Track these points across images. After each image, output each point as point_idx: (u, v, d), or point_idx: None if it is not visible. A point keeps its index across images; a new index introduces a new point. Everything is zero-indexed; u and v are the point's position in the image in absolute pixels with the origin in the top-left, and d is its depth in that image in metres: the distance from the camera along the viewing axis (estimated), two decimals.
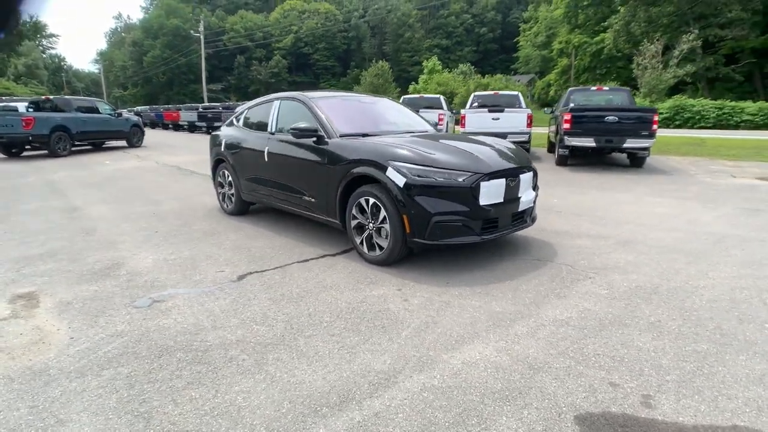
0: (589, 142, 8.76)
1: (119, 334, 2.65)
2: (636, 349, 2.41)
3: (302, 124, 4.21)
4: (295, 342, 2.55)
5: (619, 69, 34.68)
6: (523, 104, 12.66)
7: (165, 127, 28.03)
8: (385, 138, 4.06)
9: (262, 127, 5.08)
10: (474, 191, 3.44)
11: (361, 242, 3.85)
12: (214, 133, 6.05)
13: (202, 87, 48.66)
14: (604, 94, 10.96)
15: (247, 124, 5.39)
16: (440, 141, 4.07)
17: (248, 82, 68.80)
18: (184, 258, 4.04)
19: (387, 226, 3.57)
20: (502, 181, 3.60)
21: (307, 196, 4.32)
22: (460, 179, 3.42)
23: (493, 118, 10.86)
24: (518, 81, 49.39)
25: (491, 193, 3.52)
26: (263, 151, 4.76)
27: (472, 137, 4.52)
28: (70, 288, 3.36)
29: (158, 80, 67.32)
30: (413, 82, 44.72)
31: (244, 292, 3.25)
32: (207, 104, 30.30)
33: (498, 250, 4.11)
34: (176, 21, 66.26)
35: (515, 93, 13.10)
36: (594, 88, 11.78)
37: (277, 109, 4.88)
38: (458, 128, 11.57)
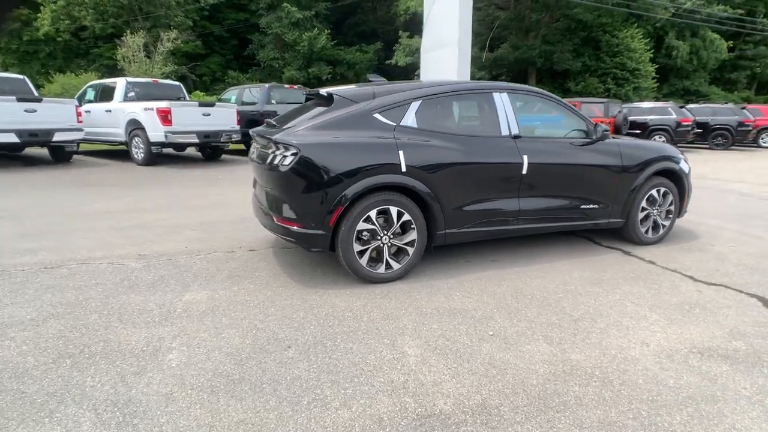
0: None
1: None
2: None
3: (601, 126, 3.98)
4: None
5: (48, 57, 29.83)
6: (187, 96, 10.96)
7: None
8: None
9: (479, 129, 3.84)
10: None
11: (647, 230, 4.27)
12: (339, 142, 3.13)
13: None
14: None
15: (435, 126, 3.44)
16: None
17: None
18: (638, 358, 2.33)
19: (672, 207, 4.31)
20: None
21: (588, 204, 3.97)
22: None
23: (204, 114, 9.21)
24: None
25: None
26: (517, 162, 3.55)
27: None
28: None
29: None
30: None
31: None
32: None
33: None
34: None
35: (177, 83, 10.83)
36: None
37: (510, 104, 3.69)
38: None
